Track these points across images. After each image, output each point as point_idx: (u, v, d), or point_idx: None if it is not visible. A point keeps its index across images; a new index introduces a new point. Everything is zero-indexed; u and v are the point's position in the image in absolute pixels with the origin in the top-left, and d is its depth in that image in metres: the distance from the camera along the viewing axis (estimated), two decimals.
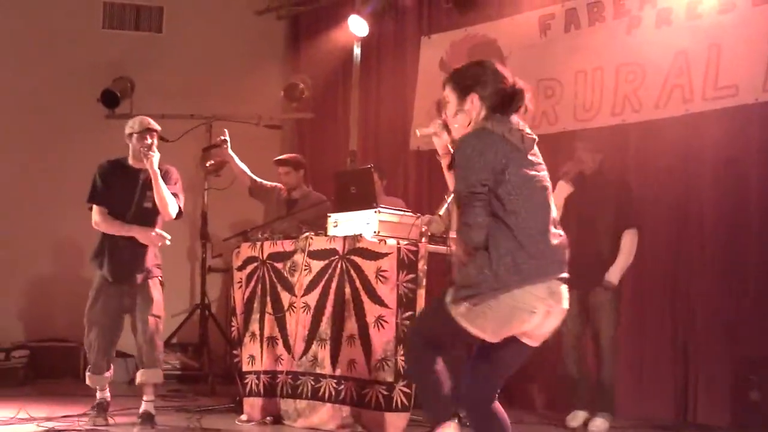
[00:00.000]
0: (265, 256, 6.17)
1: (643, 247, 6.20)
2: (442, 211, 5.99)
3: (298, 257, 5.96)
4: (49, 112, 8.85)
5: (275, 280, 6.08)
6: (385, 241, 5.55)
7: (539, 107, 7.41)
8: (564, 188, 6.16)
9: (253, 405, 6.09)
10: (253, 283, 6.21)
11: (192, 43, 9.37)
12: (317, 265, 5.83)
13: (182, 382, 8.26)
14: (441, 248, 5.85)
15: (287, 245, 6.07)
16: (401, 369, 5.29)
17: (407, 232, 5.68)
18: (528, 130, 3.53)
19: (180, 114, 8.81)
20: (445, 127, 3.73)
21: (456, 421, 3.63)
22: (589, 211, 6.11)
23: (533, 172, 3.47)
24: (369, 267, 5.53)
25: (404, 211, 6.07)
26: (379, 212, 5.70)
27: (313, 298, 5.83)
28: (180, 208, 5.91)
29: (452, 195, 5.84)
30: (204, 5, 9.57)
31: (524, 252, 3.34)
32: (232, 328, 6.38)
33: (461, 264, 3.45)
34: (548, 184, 3.54)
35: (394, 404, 5.33)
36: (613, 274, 6.06)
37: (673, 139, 6.60)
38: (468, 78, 3.63)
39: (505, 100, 3.56)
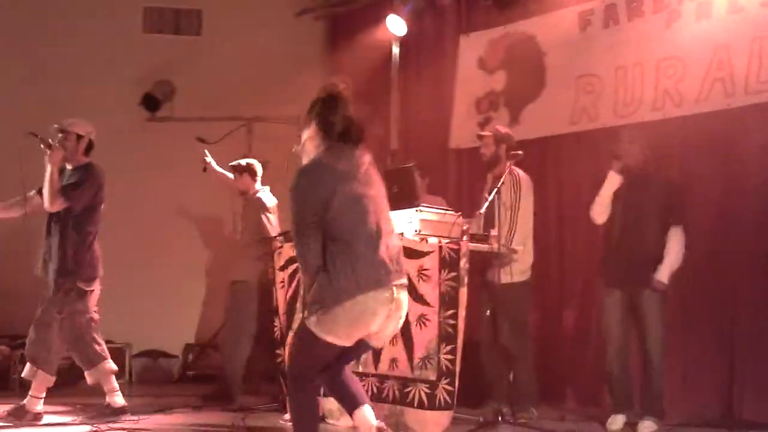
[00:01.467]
0: None
1: (686, 245, 6.10)
2: (483, 210, 6.01)
3: None
4: (90, 117, 8.83)
5: None
6: (427, 240, 5.56)
7: (579, 103, 7.39)
8: (614, 179, 6.06)
9: None
10: (295, 283, 6.24)
11: (231, 46, 9.42)
12: None
13: None
14: (482, 246, 5.86)
15: None
16: (444, 367, 5.31)
17: (448, 231, 5.68)
18: (365, 160, 4.03)
19: (220, 116, 8.89)
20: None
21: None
22: (634, 211, 5.96)
23: (362, 196, 3.95)
24: (411, 266, 5.51)
25: (445, 209, 6.07)
26: (421, 211, 5.71)
27: None
28: (64, 201, 6.04)
29: (493, 192, 5.88)
30: (242, 7, 9.61)
31: (358, 265, 3.85)
32: (275, 328, 6.42)
33: (309, 286, 3.94)
34: (379, 201, 4.04)
35: (437, 402, 5.35)
36: (663, 274, 5.88)
37: (715, 133, 6.52)
38: (312, 107, 4.08)
39: (343, 131, 4.01)
